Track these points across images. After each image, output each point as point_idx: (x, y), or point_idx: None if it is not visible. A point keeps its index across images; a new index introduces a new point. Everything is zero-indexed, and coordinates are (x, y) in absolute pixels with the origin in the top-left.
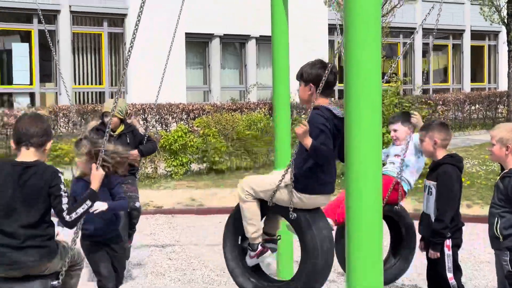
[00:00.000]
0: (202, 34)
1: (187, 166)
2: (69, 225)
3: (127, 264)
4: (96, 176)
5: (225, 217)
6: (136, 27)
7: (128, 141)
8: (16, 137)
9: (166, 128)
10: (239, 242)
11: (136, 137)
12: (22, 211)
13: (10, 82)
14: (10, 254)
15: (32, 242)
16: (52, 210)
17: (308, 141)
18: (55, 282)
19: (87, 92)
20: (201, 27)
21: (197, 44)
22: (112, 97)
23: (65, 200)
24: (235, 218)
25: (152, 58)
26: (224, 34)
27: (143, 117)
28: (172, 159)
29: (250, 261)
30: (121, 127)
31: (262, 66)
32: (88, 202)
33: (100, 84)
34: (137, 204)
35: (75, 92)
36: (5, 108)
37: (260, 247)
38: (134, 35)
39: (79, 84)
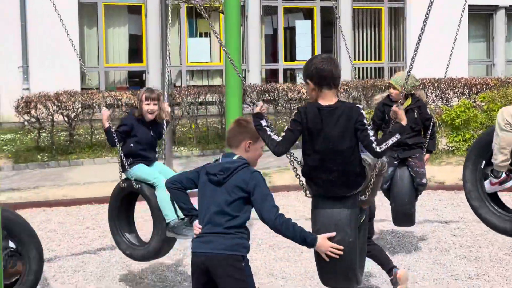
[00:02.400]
0: (486, 6)
1: (469, 142)
2: (379, 155)
3: (411, 237)
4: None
5: None
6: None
7: (415, 115)
8: (319, 78)
9: (447, 103)
10: (482, 166)
11: (422, 113)
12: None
13: (293, 58)
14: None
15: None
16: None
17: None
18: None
19: (367, 68)
20: None
21: (480, 16)
22: (391, 73)
23: (371, 132)
24: (482, 144)
25: (432, 32)
26: (510, 5)
27: (424, 91)
28: (455, 135)
29: (489, 188)
30: (409, 101)
31: None
32: (397, 135)
33: (379, 59)
34: (424, 181)
35: (355, 68)
36: (288, 83)
37: (504, 175)
38: (429, 7)
39: (358, 59)
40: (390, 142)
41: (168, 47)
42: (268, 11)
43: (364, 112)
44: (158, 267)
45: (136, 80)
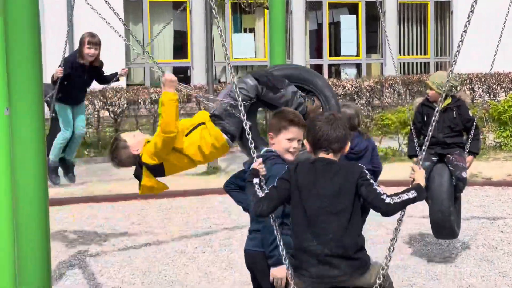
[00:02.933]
0: None
1: None
2: (389, 209)
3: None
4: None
5: None
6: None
7: (454, 115)
8: (313, 140)
9: (494, 98)
10: None
11: (462, 114)
12: None
13: (337, 53)
14: None
15: None
16: None
17: None
18: None
19: (412, 63)
20: None
21: None
22: (437, 68)
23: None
24: None
25: (478, 25)
26: None
27: (470, 87)
28: (502, 130)
29: None
30: (448, 100)
31: None
32: (414, 193)
33: (425, 54)
34: (463, 174)
35: (400, 63)
36: (333, 79)
37: None
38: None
39: (404, 54)
40: (405, 197)
41: (213, 43)
42: (313, 7)
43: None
44: (204, 263)
45: (181, 76)
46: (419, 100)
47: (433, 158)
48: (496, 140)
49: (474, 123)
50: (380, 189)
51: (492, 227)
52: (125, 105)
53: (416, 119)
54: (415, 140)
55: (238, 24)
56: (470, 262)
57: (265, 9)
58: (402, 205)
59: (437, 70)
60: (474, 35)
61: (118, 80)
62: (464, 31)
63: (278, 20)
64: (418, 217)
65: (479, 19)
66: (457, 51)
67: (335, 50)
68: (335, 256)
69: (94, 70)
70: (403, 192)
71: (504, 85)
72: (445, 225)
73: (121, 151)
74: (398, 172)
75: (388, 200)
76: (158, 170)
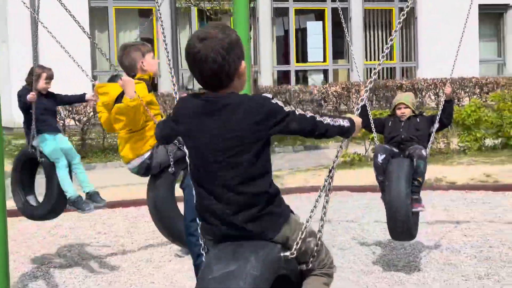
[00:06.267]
0: (497, 5)
1: (480, 141)
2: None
3: (421, 238)
4: None
5: None
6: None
7: (418, 120)
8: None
9: (458, 103)
10: None
11: (425, 117)
12: None
13: (304, 59)
14: None
15: None
16: None
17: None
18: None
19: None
20: None
21: (491, 15)
22: (403, 74)
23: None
24: None
25: (443, 31)
26: None
27: (434, 91)
28: (466, 134)
29: None
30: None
31: None
32: (347, 122)
33: (391, 59)
34: (423, 152)
35: (366, 68)
36: (300, 85)
37: None
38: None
39: (370, 60)
40: (333, 122)
41: (179, 50)
42: (279, 13)
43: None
44: (170, 272)
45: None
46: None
47: (393, 149)
48: (460, 145)
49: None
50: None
51: (456, 231)
52: (91, 114)
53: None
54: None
55: None
56: (434, 266)
57: (231, 17)
58: (334, 131)
59: (402, 75)
60: (439, 41)
61: (84, 101)
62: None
63: (242, 26)
64: (384, 221)
65: (443, 24)
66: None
67: (302, 56)
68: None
69: (52, 95)
70: (339, 116)
71: (468, 89)
72: (403, 230)
73: (134, 53)
74: (365, 178)
75: (317, 117)
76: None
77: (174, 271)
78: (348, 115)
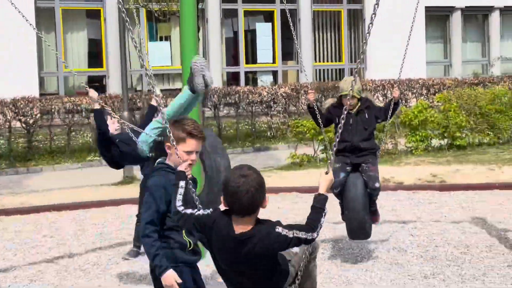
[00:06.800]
0: (443, 7)
1: (427, 141)
2: (315, 237)
3: (370, 239)
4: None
5: (469, 195)
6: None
7: (366, 116)
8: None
9: (405, 104)
10: None
11: (373, 110)
12: None
13: (254, 61)
14: None
15: None
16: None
17: None
18: None
19: (327, 69)
20: (441, 0)
21: (437, 17)
22: (351, 74)
23: (299, 233)
24: None
25: (391, 33)
26: (466, 7)
27: (383, 93)
28: (412, 135)
29: None
30: (358, 105)
31: (506, 38)
32: (326, 210)
33: (339, 61)
34: (376, 185)
35: (316, 69)
36: (250, 86)
37: None
38: (374, 12)
39: (319, 61)
40: (323, 220)
41: (128, 52)
42: (228, 14)
43: (281, 231)
44: (117, 275)
45: (96, 84)
46: (330, 101)
47: (348, 168)
48: (407, 145)
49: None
50: (301, 234)
51: (403, 231)
52: (38, 115)
53: (322, 117)
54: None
55: (153, 32)
56: (381, 266)
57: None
58: (321, 226)
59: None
60: (387, 42)
61: None
62: (365, 41)
63: (189, 28)
64: (332, 223)
65: (390, 26)
66: (361, 55)
67: (252, 57)
68: None
69: None
70: (317, 214)
71: (415, 91)
72: (361, 231)
73: None
74: (315, 179)
75: (314, 236)
76: None
77: (122, 273)
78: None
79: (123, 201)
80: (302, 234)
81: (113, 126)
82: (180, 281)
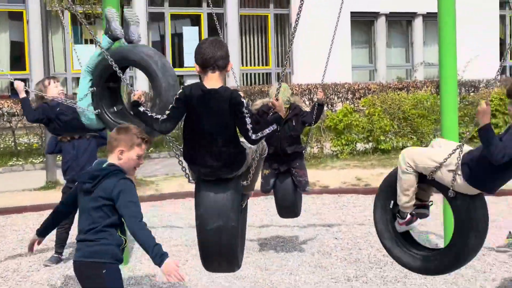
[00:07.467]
0: (368, 13)
1: (352, 145)
2: (254, 143)
3: (294, 242)
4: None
5: None
6: (300, 8)
7: (294, 124)
8: (202, 61)
9: (331, 108)
10: (390, 207)
11: (300, 116)
12: None
13: (181, 64)
14: None
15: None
16: None
17: (485, 121)
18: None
19: (254, 74)
20: (366, 6)
21: (362, 23)
22: (278, 78)
23: (248, 120)
24: (389, 183)
25: (317, 38)
26: (390, 12)
27: (309, 97)
28: (338, 139)
29: (399, 228)
30: (287, 113)
31: (429, 44)
32: (274, 126)
33: (266, 65)
34: (307, 189)
35: (243, 74)
36: None
37: (409, 216)
38: (298, 15)
39: (246, 65)
40: (267, 131)
41: (52, 54)
42: (155, 18)
43: (244, 100)
44: (38, 281)
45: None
46: (259, 103)
47: (276, 173)
48: (333, 149)
49: (313, 115)
50: (249, 122)
51: (327, 234)
52: None
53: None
54: None
55: (78, 35)
56: (305, 269)
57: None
58: (263, 138)
59: (278, 80)
60: (312, 47)
61: None
62: (291, 44)
63: None
64: (257, 226)
65: (316, 31)
66: (287, 59)
67: (179, 61)
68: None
69: None
70: (267, 125)
71: (340, 95)
72: (290, 214)
73: None
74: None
75: (253, 137)
76: None
77: (43, 280)
78: None
79: (45, 206)
80: (248, 124)
81: (56, 89)
82: (180, 265)
